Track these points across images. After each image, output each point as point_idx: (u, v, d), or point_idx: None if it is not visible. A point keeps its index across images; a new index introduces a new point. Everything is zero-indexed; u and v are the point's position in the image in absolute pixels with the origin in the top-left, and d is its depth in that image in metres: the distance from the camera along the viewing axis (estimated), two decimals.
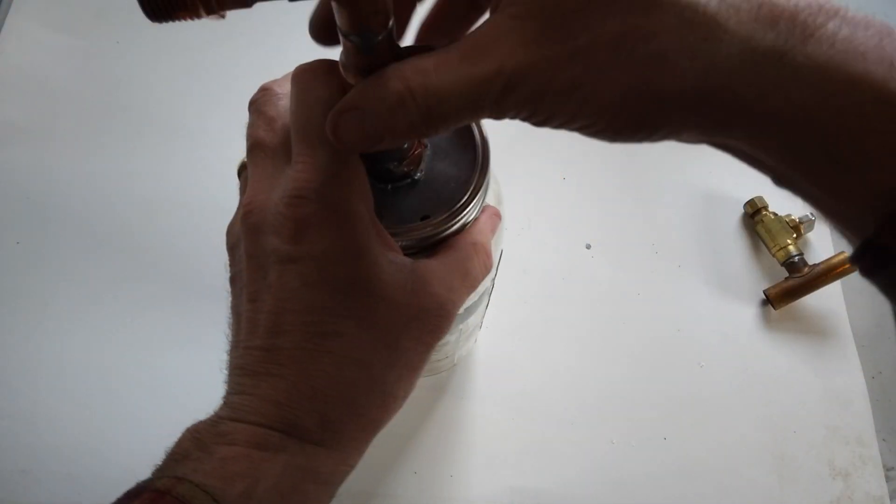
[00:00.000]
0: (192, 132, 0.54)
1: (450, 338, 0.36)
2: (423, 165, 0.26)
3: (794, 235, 0.49)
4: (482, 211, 0.27)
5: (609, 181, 0.54)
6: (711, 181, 0.54)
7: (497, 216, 0.28)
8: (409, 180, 0.26)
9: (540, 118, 0.19)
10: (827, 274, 0.48)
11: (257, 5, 0.20)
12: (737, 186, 0.54)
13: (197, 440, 0.22)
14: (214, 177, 0.53)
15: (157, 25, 0.60)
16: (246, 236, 0.23)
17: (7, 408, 0.45)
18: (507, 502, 0.44)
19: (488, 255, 0.26)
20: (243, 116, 0.61)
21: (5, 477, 0.43)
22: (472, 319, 0.37)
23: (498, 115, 0.19)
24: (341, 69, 0.21)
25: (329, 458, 0.22)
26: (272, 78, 0.29)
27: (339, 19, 0.19)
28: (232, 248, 0.25)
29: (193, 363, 0.46)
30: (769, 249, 0.50)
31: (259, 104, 0.25)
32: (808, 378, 0.48)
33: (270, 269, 0.22)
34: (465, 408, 0.46)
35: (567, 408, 0.47)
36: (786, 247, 0.49)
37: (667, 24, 0.17)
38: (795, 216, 0.50)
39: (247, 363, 0.23)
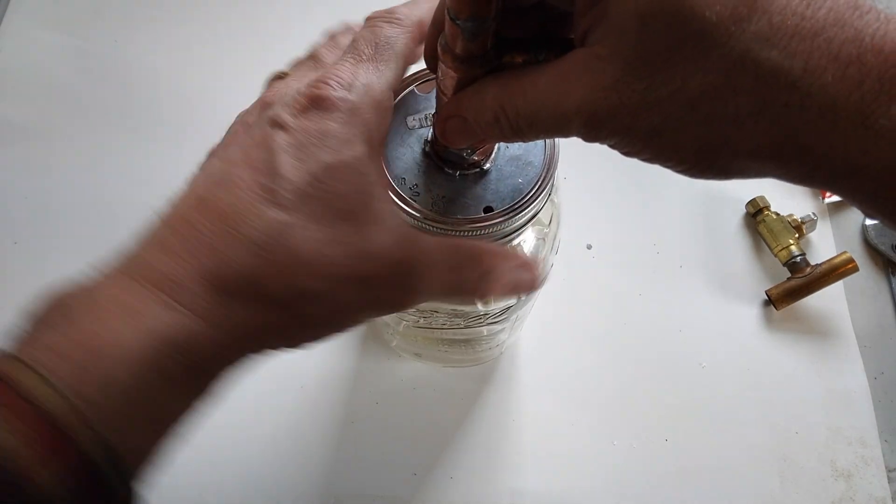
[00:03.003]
0: (191, 131, 0.54)
1: (505, 325, 0.36)
2: (493, 156, 0.27)
3: (797, 235, 0.49)
4: (523, 260, 0.26)
5: (610, 181, 0.54)
6: (713, 181, 0.54)
7: (531, 282, 0.25)
8: (477, 169, 0.27)
9: (622, 152, 0.20)
10: (829, 274, 0.48)
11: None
12: (738, 186, 0.53)
13: (61, 304, 0.19)
14: None
15: (155, 24, 0.60)
16: (251, 110, 0.22)
17: None
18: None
19: (487, 276, 0.23)
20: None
21: None
22: (525, 309, 0.37)
23: (585, 140, 0.20)
24: (439, 51, 0.21)
25: (208, 338, 0.19)
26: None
27: (451, 2, 0.19)
28: (227, 130, 0.24)
29: None
30: (771, 249, 0.50)
31: (335, 32, 0.26)
32: (810, 379, 0.48)
33: (257, 129, 0.21)
34: (464, 409, 0.46)
35: (567, 409, 0.46)
36: (788, 247, 0.49)
37: (747, 86, 0.17)
38: (797, 216, 0.50)
39: (172, 212, 0.20)
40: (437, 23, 0.22)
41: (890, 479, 0.45)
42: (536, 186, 0.26)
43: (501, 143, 0.27)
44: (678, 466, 0.45)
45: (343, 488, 0.43)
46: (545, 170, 0.27)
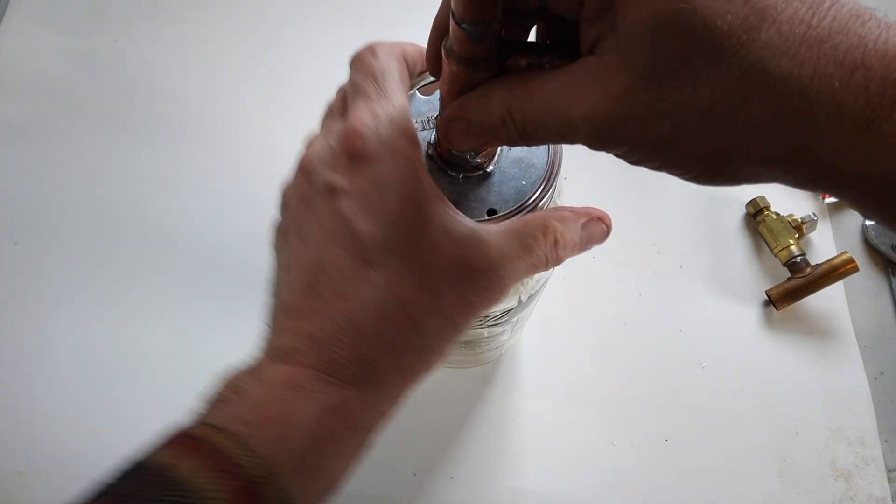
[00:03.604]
0: (190, 131, 0.54)
1: (505, 327, 0.36)
2: (496, 159, 0.27)
3: (797, 235, 0.49)
4: (587, 214, 0.27)
5: (610, 181, 0.54)
6: None
7: (604, 231, 0.27)
8: (481, 172, 0.27)
9: (630, 161, 0.20)
10: (829, 274, 0.48)
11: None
12: (739, 186, 0.53)
13: (234, 386, 0.22)
14: (213, 176, 0.52)
15: (155, 24, 0.60)
16: (298, 181, 0.24)
17: (5, 409, 0.45)
18: None
19: (557, 244, 0.25)
20: (243, 114, 0.61)
21: (3, 479, 0.42)
22: (526, 312, 0.37)
23: (591, 148, 0.21)
24: (443, 53, 0.21)
25: (363, 401, 0.22)
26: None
27: (456, 5, 0.19)
28: (283, 205, 0.25)
29: (192, 364, 0.46)
30: (771, 250, 0.50)
31: (342, 86, 0.27)
32: (810, 379, 0.48)
33: (319, 202, 0.23)
34: (464, 410, 0.46)
35: (567, 409, 0.46)
36: (788, 247, 0.49)
37: (757, 94, 0.17)
38: (798, 216, 0.50)
39: (289, 302, 0.23)
40: (440, 26, 0.23)
41: (890, 479, 0.45)
42: (540, 189, 0.26)
43: (504, 146, 0.27)
44: (678, 466, 0.45)
45: (343, 488, 0.43)
46: (548, 172, 0.27)
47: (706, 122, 0.18)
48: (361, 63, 0.25)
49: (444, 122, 0.23)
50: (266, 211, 0.51)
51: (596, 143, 0.20)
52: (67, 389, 0.45)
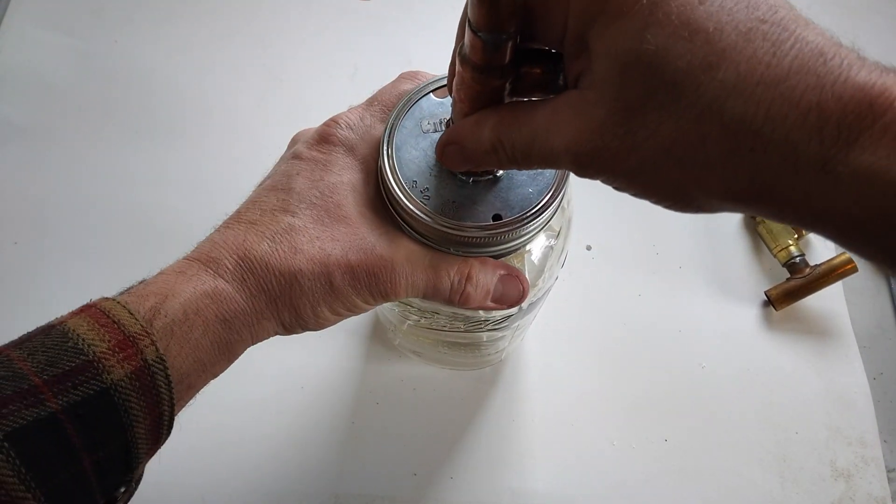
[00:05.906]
0: (190, 131, 0.54)
1: (504, 332, 0.36)
2: None
3: (796, 236, 0.49)
4: (507, 269, 0.28)
5: None
6: None
7: (519, 290, 0.29)
8: (490, 177, 0.27)
9: (613, 187, 0.21)
10: (828, 275, 0.48)
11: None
12: None
13: (145, 279, 0.25)
14: (212, 176, 0.52)
15: (155, 24, 0.60)
16: (289, 144, 0.30)
17: None
18: None
19: (470, 279, 0.27)
20: (242, 115, 0.61)
21: None
22: (527, 319, 0.37)
23: (577, 176, 0.22)
24: (458, 61, 0.22)
25: (233, 299, 0.25)
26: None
27: (473, 15, 0.19)
28: None
29: None
30: (770, 250, 0.50)
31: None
32: (809, 379, 0.48)
33: (283, 163, 0.28)
34: (464, 410, 0.46)
35: (567, 409, 0.47)
36: (787, 247, 0.49)
37: (714, 134, 0.18)
38: None
39: (226, 221, 0.28)
40: (458, 33, 0.23)
41: (890, 479, 0.45)
42: (547, 198, 0.26)
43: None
44: (678, 466, 0.45)
45: (343, 488, 0.43)
46: (556, 181, 0.27)
47: (669, 157, 0.19)
48: (397, 80, 0.30)
49: (440, 145, 0.26)
50: None
51: (579, 171, 0.21)
52: None
